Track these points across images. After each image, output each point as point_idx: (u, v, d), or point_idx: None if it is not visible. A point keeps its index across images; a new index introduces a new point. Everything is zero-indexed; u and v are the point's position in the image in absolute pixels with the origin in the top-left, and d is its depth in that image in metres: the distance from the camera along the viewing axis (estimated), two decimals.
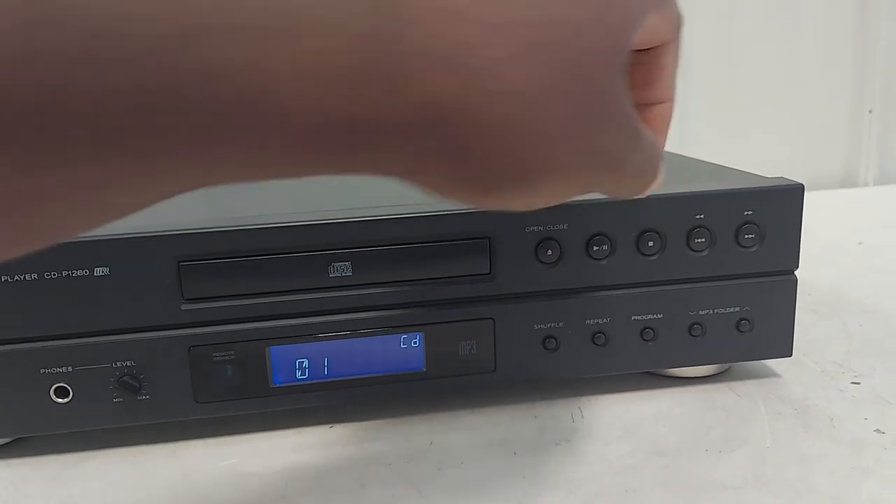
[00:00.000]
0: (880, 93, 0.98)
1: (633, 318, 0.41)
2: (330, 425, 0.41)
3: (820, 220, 0.78)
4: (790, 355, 0.43)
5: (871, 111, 0.99)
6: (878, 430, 0.38)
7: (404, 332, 0.40)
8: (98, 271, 0.37)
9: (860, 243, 0.72)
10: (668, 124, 0.29)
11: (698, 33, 0.95)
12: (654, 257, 0.40)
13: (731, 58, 0.97)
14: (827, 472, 0.35)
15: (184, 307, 0.38)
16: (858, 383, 0.43)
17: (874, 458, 0.35)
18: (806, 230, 0.42)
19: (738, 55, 0.97)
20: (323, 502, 0.34)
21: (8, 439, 0.40)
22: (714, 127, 0.98)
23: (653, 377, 0.44)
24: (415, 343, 0.40)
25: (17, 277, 0.36)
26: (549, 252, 0.39)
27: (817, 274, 0.62)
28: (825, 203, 0.88)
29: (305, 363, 0.40)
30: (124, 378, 0.38)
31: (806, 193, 0.41)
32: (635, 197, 0.26)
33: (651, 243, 0.40)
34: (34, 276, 0.36)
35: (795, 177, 0.42)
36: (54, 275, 0.37)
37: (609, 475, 0.35)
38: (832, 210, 0.85)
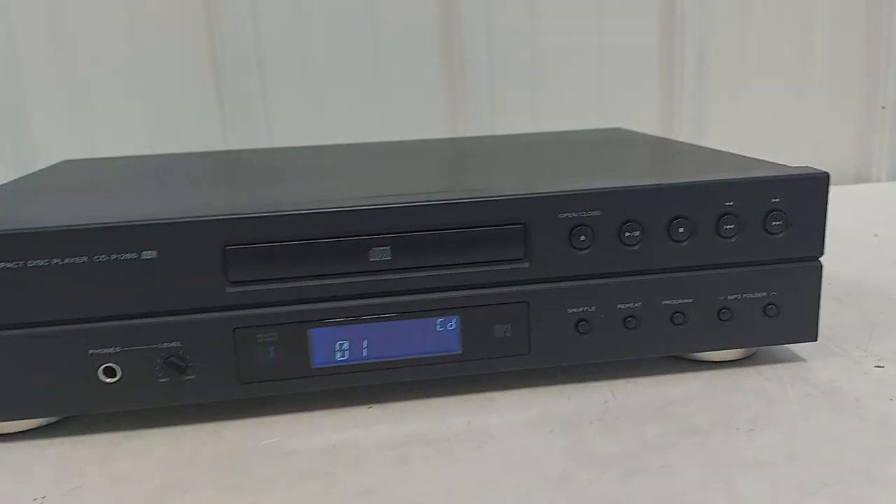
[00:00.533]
0: (893, 90, 0.99)
1: (663, 302, 0.42)
2: (368, 406, 0.42)
3: (835, 215, 0.79)
4: (815, 339, 0.44)
5: (883, 107, 1.00)
6: None
7: (441, 316, 0.41)
8: (146, 255, 0.38)
9: (876, 236, 0.73)
10: None
11: (713, 31, 0.96)
12: (685, 243, 0.41)
13: (745, 55, 0.98)
14: (857, 449, 0.36)
15: (229, 290, 0.39)
16: (882, 366, 0.44)
17: None
18: None
19: (753, 53, 0.98)
20: (367, 478, 0.35)
21: (57, 418, 0.41)
22: (728, 123, 0.99)
23: (681, 361, 0.46)
24: (451, 326, 0.41)
25: (67, 261, 0.37)
26: (583, 238, 0.41)
27: (836, 265, 0.63)
28: (839, 198, 0.88)
29: (345, 345, 0.41)
30: (171, 359, 0.39)
31: None
32: None
33: (681, 229, 0.41)
34: (84, 259, 0.38)
35: None
36: (104, 258, 0.38)
37: (645, 453, 0.36)
38: (847, 205, 0.86)
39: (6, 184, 0.53)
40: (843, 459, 0.35)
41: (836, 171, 1.02)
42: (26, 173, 0.59)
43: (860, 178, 1.03)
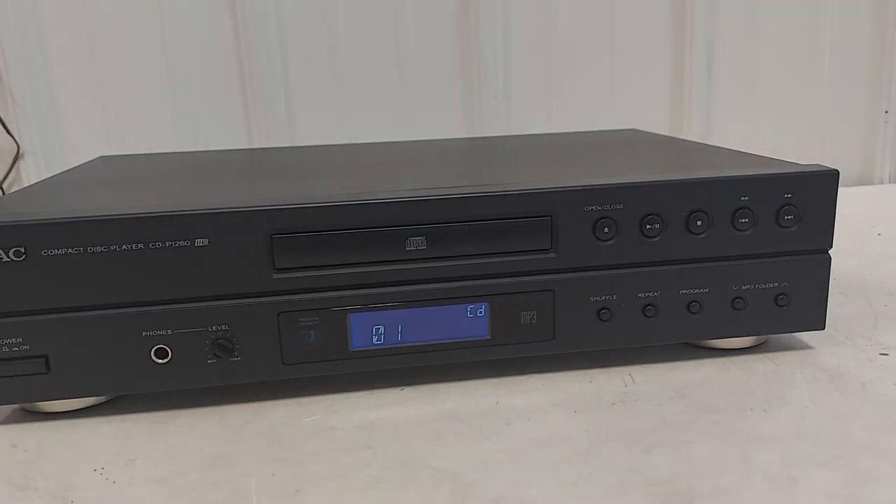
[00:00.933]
0: None
1: (681, 291, 0.45)
2: (401, 388, 0.45)
3: (840, 214, 0.81)
4: (823, 328, 0.46)
5: (886, 111, 1.02)
6: None
7: (471, 303, 0.44)
8: (198, 242, 0.41)
9: (879, 234, 0.76)
10: None
11: (720, 36, 0.99)
12: (702, 235, 0.44)
13: (754, 60, 1.01)
14: (862, 426, 0.38)
15: (275, 276, 0.42)
16: (887, 354, 0.46)
17: None
18: None
19: (761, 58, 1.01)
20: (405, 450, 0.38)
21: (110, 397, 0.44)
22: (736, 126, 1.02)
23: (695, 349, 0.48)
24: (480, 313, 0.44)
25: (124, 247, 0.40)
26: (606, 230, 0.43)
27: (841, 261, 0.66)
28: (843, 199, 0.91)
29: (381, 329, 0.43)
30: (219, 341, 0.42)
31: None
32: None
33: (699, 223, 0.44)
34: (140, 245, 0.40)
35: None
36: (159, 245, 0.40)
37: (665, 429, 0.39)
38: (851, 205, 0.89)
39: (52, 177, 0.56)
40: (850, 436, 0.37)
41: (842, 174, 1.04)
42: (58, 170, 0.62)
43: (864, 180, 1.06)
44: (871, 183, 1.05)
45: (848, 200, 0.91)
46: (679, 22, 0.98)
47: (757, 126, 1.02)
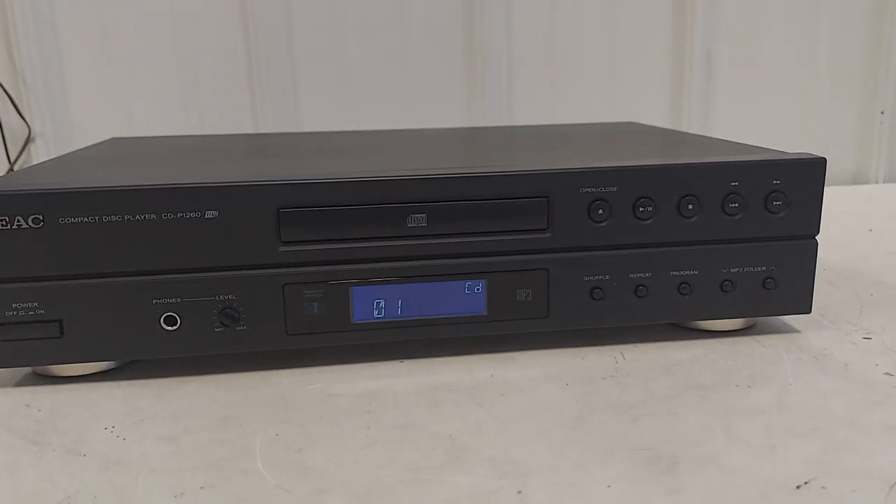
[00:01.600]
0: (892, 95, 1.04)
1: (671, 273, 0.46)
2: (401, 360, 0.47)
3: (833, 211, 0.83)
4: (809, 312, 0.48)
5: (882, 112, 1.04)
6: (887, 374, 0.43)
7: (469, 280, 0.45)
8: (209, 214, 0.42)
9: (870, 230, 0.77)
10: None
11: (719, 37, 1.00)
12: (693, 219, 0.46)
13: (752, 59, 1.02)
14: (842, 402, 0.40)
15: (281, 249, 0.43)
16: (870, 338, 0.48)
17: (884, 393, 0.41)
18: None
19: (759, 57, 1.02)
20: (404, 416, 0.40)
21: (121, 362, 0.46)
22: (733, 123, 1.03)
23: (685, 330, 0.50)
24: (478, 289, 0.45)
25: (138, 217, 0.42)
26: (601, 211, 0.45)
27: (832, 254, 0.67)
28: (839, 197, 0.93)
29: (382, 303, 0.45)
30: (226, 310, 0.43)
31: None
32: None
33: (690, 206, 0.45)
34: (153, 216, 0.42)
35: None
36: (170, 216, 0.42)
37: (652, 402, 0.40)
38: (844, 203, 0.90)
39: (65, 155, 0.57)
40: (830, 410, 0.39)
41: (836, 172, 1.06)
42: (67, 152, 0.64)
43: (859, 179, 1.07)
44: (866, 182, 1.07)
45: (843, 199, 0.93)
46: (679, 20, 1.00)
47: (754, 123, 1.04)
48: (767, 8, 1.01)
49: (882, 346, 0.47)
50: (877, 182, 1.06)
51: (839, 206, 0.88)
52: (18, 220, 0.41)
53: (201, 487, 0.34)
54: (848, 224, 0.80)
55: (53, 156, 0.93)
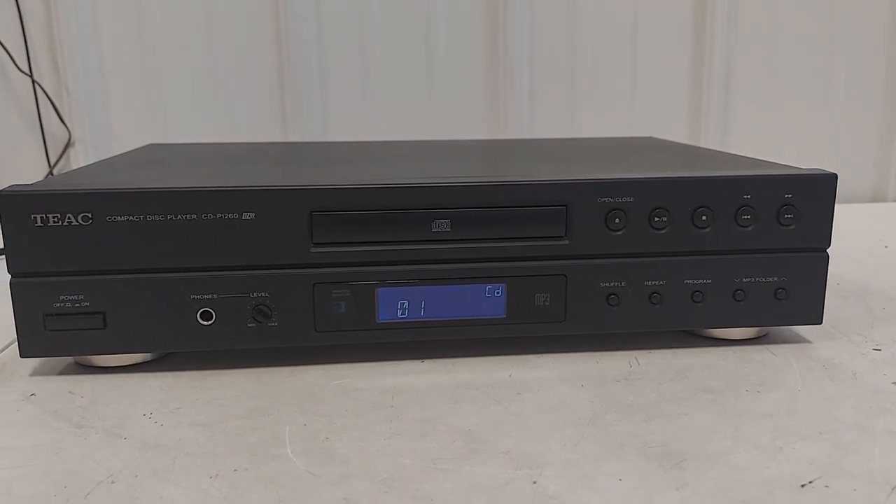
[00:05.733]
0: None
1: (685, 281, 0.48)
2: (422, 360, 0.49)
3: (849, 228, 0.84)
4: (820, 323, 0.49)
5: None
6: (895, 383, 0.44)
7: (490, 283, 0.47)
8: (246, 216, 0.45)
9: (886, 247, 0.78)
10: None
11: (737, 54, 1.02)
12: (707, 230, 0.47)
13: (770, 76, 1.04)
14: (849, 409, 0.41)
15: (312, 250, 0.46)
16: (880, 350, 0.49)
17: (891, 401, 0.42)
18: (835, 235, 0.48)
19: (777, 74, 1.04)
20: (425, 410, 0.42)
21: (159, 354, 0.48)
22: (751, 139, 1.05)
23: (699, 338, 0.51)
24: (498, 293, 0.47)
25: (179, 217, 0.44)
26: (617, 220, 0.47)
27: (846, 268, 0.69)
28: (855, 214, 0.94)
29: (406, 304, 0.47)
30: (259, 307, 0.46)
31: (836, 206, 0.48)
32: None
33: (704, 217, 0.47)
34: (193, 216, 0.44)
35: None
36: (210, 216, 0.45)
37: (664, 403, 0.42)
38: (861, 221, 0.91)
39: (106, 159, 0.60)
40: (837, 415, 0.40)
41: (854, 190, 1.07)
42: (104, 157, 0.67)
43: (876, 197, 1.08)
44: (883, 200, 1.08)
45: (860, 215, 0.93)
46: (699, 37, 1.02)
47: (772, 139, 1.05)
48: (786, 26, 1.02)
49: (891, 358, 0.48)
50: (895, 200, 1.07)
51: (856, 222, 0.89)
52: (69, 217, 0.43)
53: (234, 470, 0.36)
54: (864, 240, 0.81)
55: (91, 160, 0.97)
